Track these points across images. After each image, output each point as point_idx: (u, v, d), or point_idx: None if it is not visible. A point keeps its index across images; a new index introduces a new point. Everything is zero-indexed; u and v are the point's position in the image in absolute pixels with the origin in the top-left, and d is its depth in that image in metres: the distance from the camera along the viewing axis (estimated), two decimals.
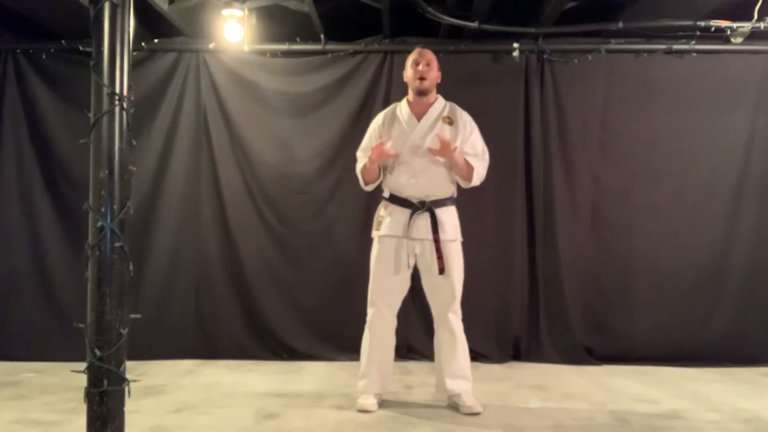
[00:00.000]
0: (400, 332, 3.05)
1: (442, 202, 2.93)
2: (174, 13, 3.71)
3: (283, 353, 3.95)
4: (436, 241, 2.85)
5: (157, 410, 2.83)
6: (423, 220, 2.88)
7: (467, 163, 2.88)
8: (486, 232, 3.95)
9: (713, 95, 4.01)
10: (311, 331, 3.99)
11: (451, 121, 2.96)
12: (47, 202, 3.99)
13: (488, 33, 3.90)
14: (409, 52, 3.01)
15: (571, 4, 3.68)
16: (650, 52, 3.99)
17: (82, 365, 1.72)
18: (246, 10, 3.68)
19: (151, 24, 3.88)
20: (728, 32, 3.84)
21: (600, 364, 3.88)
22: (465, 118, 2.99)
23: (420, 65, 2.93)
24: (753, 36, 3.88)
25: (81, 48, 3.87)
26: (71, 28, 3.84)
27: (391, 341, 2.99)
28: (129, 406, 1.79)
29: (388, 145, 2.92)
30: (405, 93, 3.08)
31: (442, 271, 2.84)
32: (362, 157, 3.01)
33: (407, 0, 3.55)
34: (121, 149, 1.75)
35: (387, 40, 4.04)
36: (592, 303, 4.01)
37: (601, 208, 4.04)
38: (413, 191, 2.90)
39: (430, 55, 2.97)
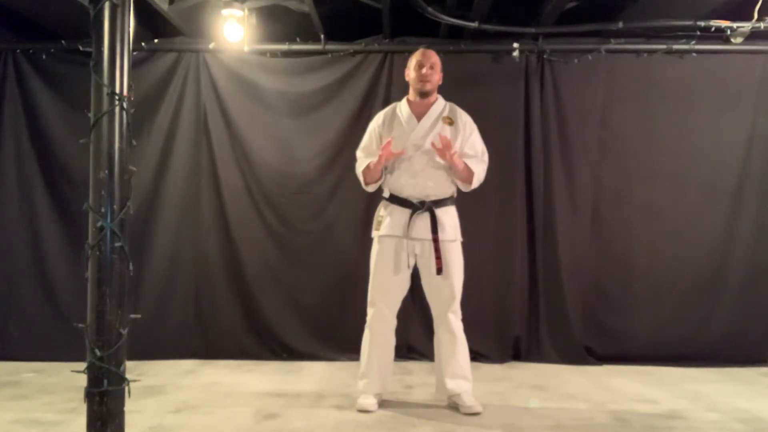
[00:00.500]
0: (400, 332, 3.05)
1: (442, 202, 2.92)
2: (174, 13, 3.71)
3: (283, 353, 3.95)
4: (435, 241, 2.85)
5: (157, 410, 2.83)
6: (423, 220, 2.88)
7: (467, 166, 2.88)
8: (486, 232, 3.95)
9: (713, 95, 4.01)
10: (311, 331, 3.99)
11: (451, 121, 2.96)
12: (47, 202, 3.99)
13: (488, 33, 3.90)
14: (409, 52, 3.01)
15: (571, 4, 3.68)
16: (650, 52, 3.99)
17: (82, 365, 1.72)
18: (246, 10, 3.68)
19: (151, 24, 3.88)
20: (728, 32, 3.84)
21: (600, 364, 3.88)
22: (465, 119, 2.99)
23: (424, 68, 2.92)
24: (753, 36, 3.87)
25: (81, 48, 3.86)
26: (71, 28, 3.84)
27: (391, 341, 2.99)
28: (129, 406, 1.79)
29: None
30: (405, 93, 3.07)
31: (440, 271, 2.84)
32: (362, 157, 3.01)
33: (407, 0, 3.55)
34: (121, 149, 1.75)
35: (387, 40, 4.04)
36: (592, 303, 4.01)
37: (601, 208, 4.04)
38: (413, 191, 2.90)
39: (434, 58, 2.96)
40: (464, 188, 2.96)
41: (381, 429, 2.62)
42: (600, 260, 4.02)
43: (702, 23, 3.75)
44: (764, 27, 3.71)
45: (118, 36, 1.75)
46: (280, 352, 3.96)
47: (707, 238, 3.99)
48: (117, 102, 1.73)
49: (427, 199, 2.90)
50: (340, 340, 3.89)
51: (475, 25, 3.74)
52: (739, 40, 3.90)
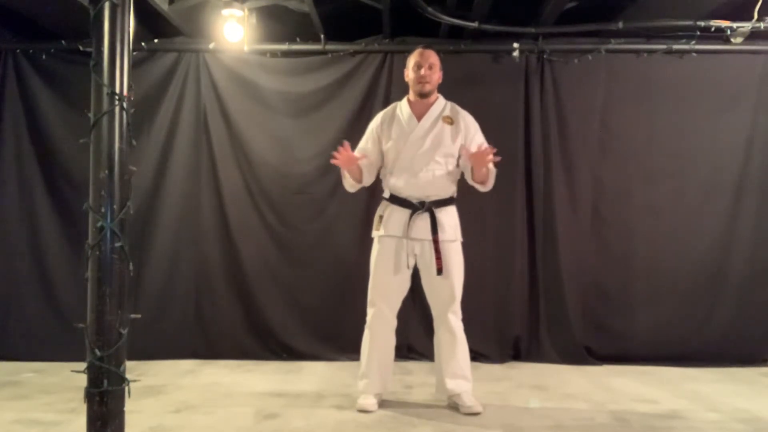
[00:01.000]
0: (400, 332, 3.05)
1: (442, 202, 2.92)
2: (174, 13, 3.71)
3: (283, 353, 3.95)
4: (435, 241, 2.85)
5: (157, 410, 2.83)
6: (423, 220, 2.88)
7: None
8: (486, 232, 3.95)
9: (713, 95, 4.00)
10: (311, 331, 3.99)
11: (451, 120, 2.96)
12: (47, 202, 3.99)
13: (488, 33, 3.90)
14: (409, 52, 3.00)
15: (571, 4, 3.68)
16: (650, 52, 3.99)
17: (82, 365, 1.72)
18: (246, 10, 3.68)
19: (151, 24, 3.88)
20: (728, 32, 3.84)
21: (600, 364, 3.88)
22: (468, 120, 2.99)
23: (422, 69, 2.92)
24: (753, 36, 3.88)
25: (81, 48, 3.86)
26: (71, 28, 3.84)
27: (391, 341, 2.99)
28: (129, 406, 1.79)
29: (388, 146, 2.94)
30: (405, 93, 3.07)
31: (440, 271, 2.84)
32: None
33: (407, 0, 3.55)
34: (121, 149, 1.75)
35: (387, 40, 4.04)
36: (592, 303, 4.02)
37: (601, 208, 4.04)
38: (413, 191, 2.90)
39: (432, 58, 2.95)
40: (484, 189, 2.95)
41: (381, 429, 2.62)
42: (600, 260, 4.02)
43: (702, 23, 3.75)
44: (764, 27, 3.71)
45: (118, 36, 1.75)
46: (280, 352, 3.96)
47: (707, 238, 3.99)
48: (117, 102, 1.73)
49: (427, 200, 2.90)
50: (340, 340, 3.89)
51: (475, 25, 3.74)
52: (739, 40, 3.90)
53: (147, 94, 3.96)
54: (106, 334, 1.71)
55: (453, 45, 4.00)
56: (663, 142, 4.01)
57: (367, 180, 3.03)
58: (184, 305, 3.98)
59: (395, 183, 2.94)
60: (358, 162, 2.90)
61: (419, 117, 2.95)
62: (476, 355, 3.61)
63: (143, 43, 3.97)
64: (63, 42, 3.95)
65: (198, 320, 3.98)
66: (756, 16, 3.68)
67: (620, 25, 3.74)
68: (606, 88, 4.03)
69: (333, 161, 2.83)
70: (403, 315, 3.08)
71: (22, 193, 3.99)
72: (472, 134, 2.96)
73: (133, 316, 1.80)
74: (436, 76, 2.96)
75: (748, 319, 3.94)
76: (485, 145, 2.95)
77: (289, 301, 4.01)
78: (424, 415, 2.82)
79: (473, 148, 2.88)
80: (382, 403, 2.94)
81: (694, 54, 3.96)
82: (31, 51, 4.02)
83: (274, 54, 4.06)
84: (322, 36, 3.96)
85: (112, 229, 1.72)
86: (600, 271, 4.02)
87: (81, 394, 1.73)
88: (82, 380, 1.73)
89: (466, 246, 2.99)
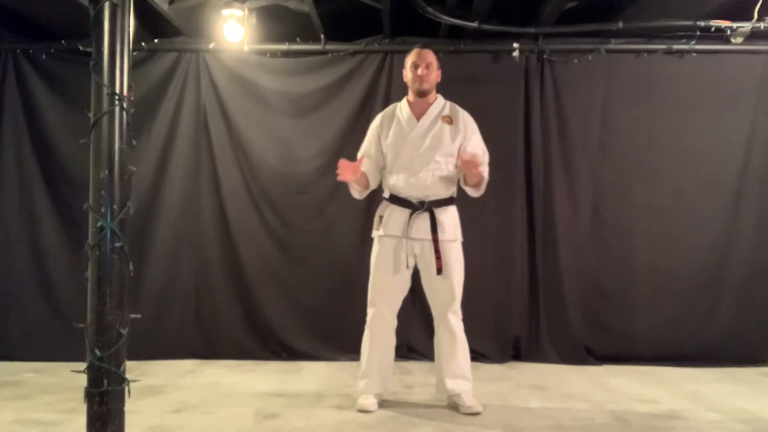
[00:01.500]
0: (400, 332, 3.05)
1: (441, 202, 2.92)
2: (174, 13, 3.71)
3: (283, 353, 3.95)
4: (435, 241, 2.85)
5: (157, 410, 2.83)
6: (422, 220, 2.88)
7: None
8: (486, 232, 3.94)
9: (713, 95, 4.00)
10: (311, 331, 3.99)
11: (450, 120, 2.96)
12: (47, 202, 3.98)
13: (488, 33, 3.90)
14: (409, 52, 3.01)
15: (571, 4, 3.68)
16: (650, 52, 3.99)
17: (82, 365, 1.72)
18: (246, 10, 3.68)
19: (151, 24, 3.88)
20: (728, 32, 3.84)
21: (600, 364, 3.88)
22: (467, 120, 2.99)
23: (419, 69, 2.92)
24: (753, 36, 3.88)
25: (81, 48, 3.86)
26: (71, 28, 3.84)
27: (392, 341, 2.99)
28: (129, 406, 1.78)
29: (387, 146, 2.94)
30: (405, 93, 3.07)
31: (440, 271, 2.84)
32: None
33: (407, 0, 3.55)
34: (121, 149, 1.75)
35: (387, 40, 4.04)
36: (592, 303, 4.01)
37: (601, 208, 4.04)
38: (413, 191, 2.90)
39: (429, 57, 2.95)
40: (475, 194, 2.95)
41: (381, 429, 2.62)
42: (600, 260, 4.02)
43: (702, 23, 3.75)
44: (764, 27, 3.72)
45: (118, 36, 1.75)
46: (280, 352, 3.96)
47: (707, 238, 3.99)
48: (117, 102, 1.73)
49: (427, 199, 2.90)
50: (340, 340, 3.89)
51: (475, 25, 3.74)
52: (739, 40, 3.90)
53: (147, 94, 3.96)
54: (106, 334, 1.71)
55: (453, 45, 4.00)
56: (663, 142, 4.01)
57: (374, 183, 3.02)
58: (184, 305, 3.98)
59: (395, 183, 2.94)
60: (361, 169, 2.89)
61: (418, 117, 2.95)
62: (476, 355, 3.61)
63: (143, 43, 3.97)
64: (63, 42, 3.95)
65: (198, 320, 3.98)
66: (756, 16, 3.68)
67: (620, 25, 3.75)
68: (606, 88, 4.03)
69: (339, 178, 2.81)
70: (403, 315, 3.08)
71: (22, 193, 3.99)
72: (469, 135, 2.95)
73: (133, 316, 1.79)
74: (434, 75, 2.96)
75: (748, 319, 3.94)
76: (481, 146, 2.96)
77: (289, 301, 4.01)
78: (424, 415, 2.82)
79: (468, 150, 2.88)
80: (382, 403, 2.94)
81: (694, 54, 3.96)
82: (31, 51, 4.02)
83: (274, 54, 4.06)
84: (322, 36, 3.96)
85: (112, 229, 1.72)
86: (600, 271, 4.02)
87: (81, 394, 1.73)
88: (82, 380, 1.73)
89: (466, 246, 2.99)
